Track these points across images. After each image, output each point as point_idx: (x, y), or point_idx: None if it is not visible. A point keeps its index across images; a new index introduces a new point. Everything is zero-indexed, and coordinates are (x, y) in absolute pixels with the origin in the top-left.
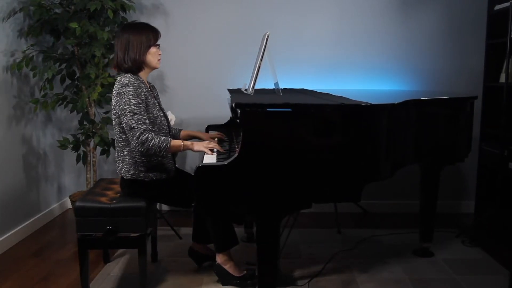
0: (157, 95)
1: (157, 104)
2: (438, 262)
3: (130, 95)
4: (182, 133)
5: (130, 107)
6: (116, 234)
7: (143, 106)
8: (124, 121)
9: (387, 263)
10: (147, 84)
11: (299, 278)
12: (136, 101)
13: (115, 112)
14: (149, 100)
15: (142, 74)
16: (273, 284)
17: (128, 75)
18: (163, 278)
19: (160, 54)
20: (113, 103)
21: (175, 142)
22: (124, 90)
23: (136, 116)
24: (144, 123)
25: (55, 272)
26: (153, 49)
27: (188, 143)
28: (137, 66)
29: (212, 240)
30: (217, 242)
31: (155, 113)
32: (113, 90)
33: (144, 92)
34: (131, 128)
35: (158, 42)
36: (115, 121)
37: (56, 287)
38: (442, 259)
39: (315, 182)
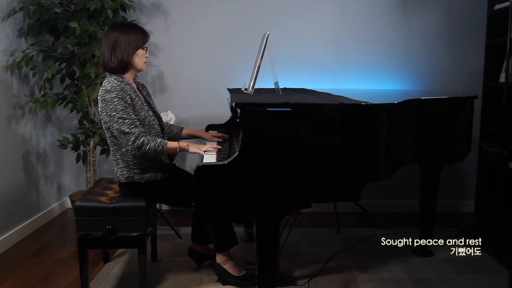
0: (147, 94)
1: (145, 104)
2: (438, 262)
3: (116, 101)
4: (184, 132)
5: (118, 113)
6: (116, 233)
7: (131, 110)
8: (115, 128)
9: (387, 262)
10: (134, 85)
11: (299, 277)
12: (123, 106)
13: (102, 118)
14: (136, 102)
15: (127, 75)
16: (272, 284)
17: (112, 78)
18: (163, 277)
19: (147, 57)
20: (99, 109)
21: (171, 144)
22: (108, 96)
23: (127, 121)
24: (136, 126)
25: (55, 271)
26: (140, 51)
27: (184, 144)
28: (123, 67)
29: (212, 240)
30: (216, 242)
31: (142, 114)
32: (98, 95)
33: (130, 95)
34: (125, 134)
35: (146, 45)
36: (104, 126)
37: (56, 287)
38: (442, 258)
39: (315, 181)
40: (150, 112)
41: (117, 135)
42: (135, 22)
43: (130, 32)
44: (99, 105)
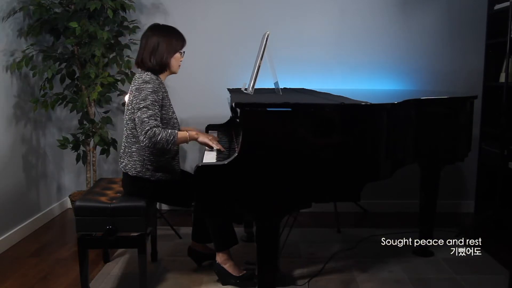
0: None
1: (171, 106)
2: (438, 262)
3: (149, 91)
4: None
5: (146, 103)
6: (116, 233)
7: (158, 105)
8: (137, 115)
9: (387, 262)
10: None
11: (299, 277)
12: (153, 98)
13: (131, 107)
14: (166, 101)
15: (161, 76)
16: (272, 284)
17: (150, 73)
18: (163, 277)
19: (181, 61)
20: (130, 98)
21: (181, 134)
22: (144, 86)
23: (150, 111)
24: (155, 119)
25: (55, 271)
26: (177, 55)
27: (193, 133)
28: (160, 68)
29: (212, 240)
30: (216, 242)
31: (170, 114)
32: (132, 85)
33: (162, 92)
34: (142, 122)
35: (184, 50)
36: (129, 116)
37: (56, 287)
38: (442, 258)
39: (315, 181)
40: (175, 114)
41: (137, 123)
42: (135, 22)
43: (171, 35)
44: (132, 94)
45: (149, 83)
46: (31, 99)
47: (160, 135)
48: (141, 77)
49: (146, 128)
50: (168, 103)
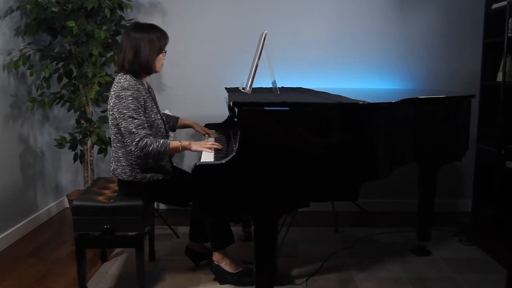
0: (154, 96)
1: (154, 106)
2: (436, 261)
3: (130, 99)
4: (179, 122)
5: (129, 112)
6: (114, 233)
7: (142, 111)
8: (123, 125)
9: (385, 262)
10: (146, 86)
11: (297, 277)
12: (135, 106)
13: (112, 113)
14: (148, 104)
15: (144, 78)
16: (270, 283)
17: (128, 77)
18: (161, 277)
19: (164, 59)
20: (111, 104)
21: (173, 144)
22: (124, 93)
23: (136, 121)
24: (143, 128)
25: (53, 271)
26: (160, 55)
27: (186, 143)
28: (144, 70)
29: (209, 239)
30: (214, 241)
31: (153, 116)
32: (111, 90)
33: (143, 96)
34: (131, 133)
35: (166, 48)
36: (112, 122)
37: (54, 286)
38: (440, 257)
39: (313, 180)
40: (158, 115)
41: (124, 133)
42: (132, 21)
43: (153, 35)
44: (112, 101)
45: (128, 89)
46: (29, 98)
47: (152, 146)
48: (119, 83)
49: (137, 139)
50: (150, 105)
